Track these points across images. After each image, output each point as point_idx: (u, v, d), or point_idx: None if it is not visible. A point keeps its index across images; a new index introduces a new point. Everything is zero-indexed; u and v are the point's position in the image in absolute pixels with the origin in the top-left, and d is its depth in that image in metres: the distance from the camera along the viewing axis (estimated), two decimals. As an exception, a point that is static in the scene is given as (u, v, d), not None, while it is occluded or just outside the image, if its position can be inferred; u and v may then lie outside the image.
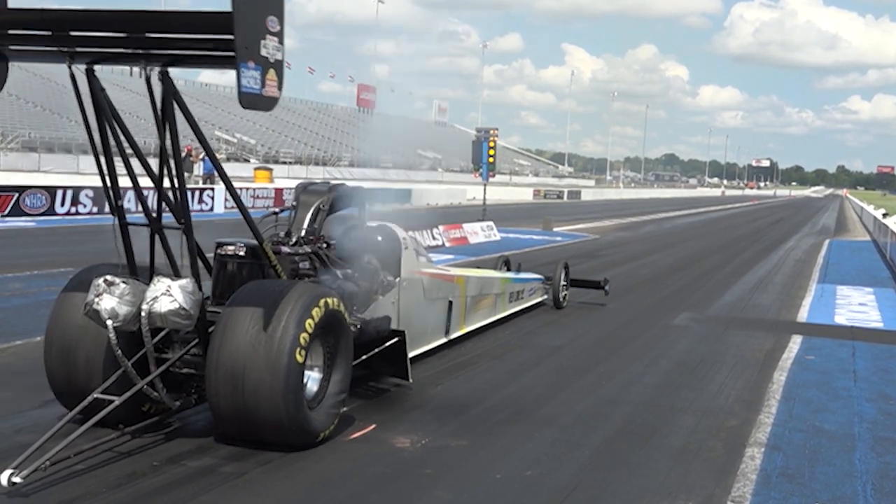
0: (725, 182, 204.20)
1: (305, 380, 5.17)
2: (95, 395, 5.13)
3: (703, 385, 8.33)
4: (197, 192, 28.52)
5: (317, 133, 76.19)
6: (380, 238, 7.07)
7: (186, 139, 7.94)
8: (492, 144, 27.75)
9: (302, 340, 5.00)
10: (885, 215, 41.97)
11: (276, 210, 6.50)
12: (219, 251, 5.87)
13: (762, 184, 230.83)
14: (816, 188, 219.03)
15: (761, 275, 18.65)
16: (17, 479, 4.55)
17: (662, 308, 13.07)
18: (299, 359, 4.97)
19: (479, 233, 23.60)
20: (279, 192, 33.28)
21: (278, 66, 4.22)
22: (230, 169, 48.18)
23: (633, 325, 11.63)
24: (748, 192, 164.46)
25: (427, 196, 45.54)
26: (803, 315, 12.96)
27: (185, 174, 5.02)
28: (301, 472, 5.29)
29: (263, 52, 4.14)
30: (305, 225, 6.36)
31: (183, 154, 5.33)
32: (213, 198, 29.15)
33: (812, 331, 11.63)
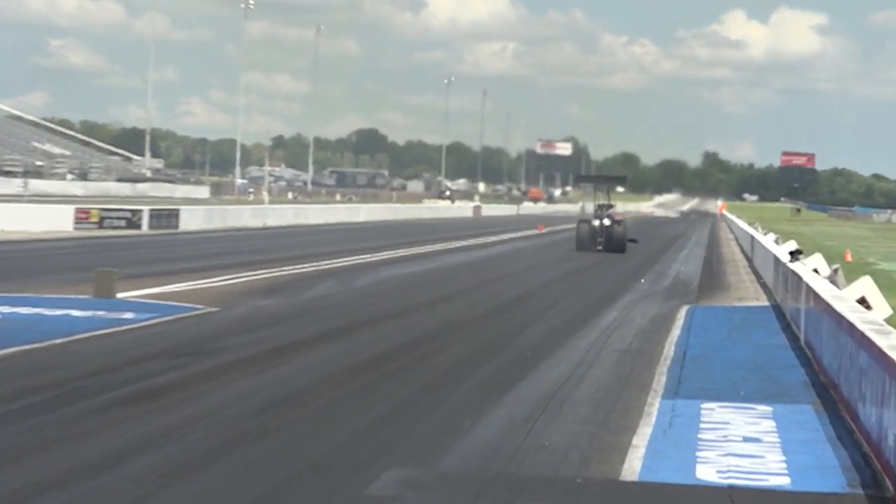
0: (482, 186, 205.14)
1: (630, 236, 61.77)
2: (598, 242, 56.62)
3: None
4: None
5: None
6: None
7: None
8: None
9: (625, 232, 59.07)
10: (795, 254, 39.35)
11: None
12: (596, 219, 56.92)
13: (557, 190, 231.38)
14: (665, 198, 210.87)
15: (553, 382, 18.70)
16: None
17: (351, 459, 13.04)
18: (626, 233, 59.45)
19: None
20: None
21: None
22: None
23: (295, 499, 11.71)
24: (528, 205, 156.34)
25: None
26: (634, 467, 13.06)
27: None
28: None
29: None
30: (610, 212, 58.13)
31: None
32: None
33: (652, 499, 12.07)
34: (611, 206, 56.08)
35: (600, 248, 52.06)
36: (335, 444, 13.62)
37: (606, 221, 53.78)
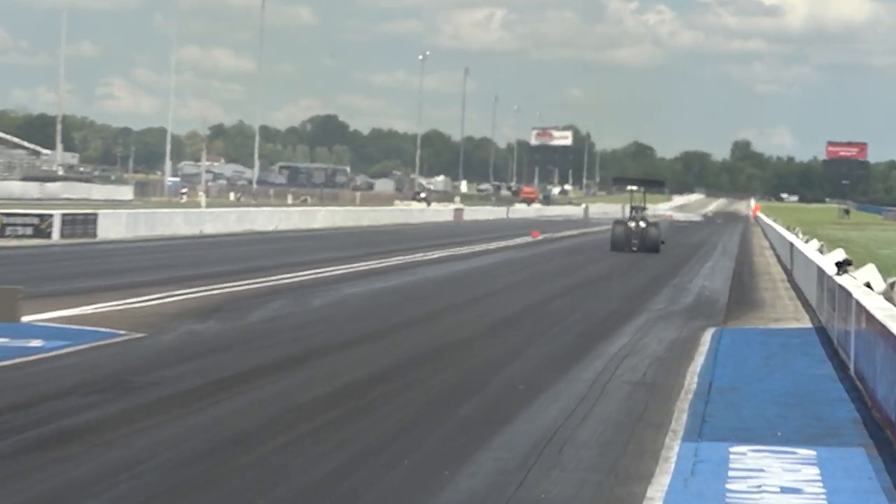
0: (465, 185, 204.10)
1: (662, 238, 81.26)
2: (633, 243, 74.20)
3: None
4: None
5: None
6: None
7: None
8: None
9: (658, 234, 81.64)
10: (843, 265, 39.64)
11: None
12: (632, 221, 75.90)
13: (555, 189, 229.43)
14: (686, 199, 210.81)
15: (550, 420, 18.58)
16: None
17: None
18: (660, 235, 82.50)
19: None
20: None
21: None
22: None
23: None
24: (520, 207, 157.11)
25: None
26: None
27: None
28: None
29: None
30: (644, 214, 79.14)
31: None
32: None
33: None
34: (644, 209, 70.53)
35: (635, 248, 65.50)
36: (285, 498, 13.56)
37: (642, 224, 67.98)
